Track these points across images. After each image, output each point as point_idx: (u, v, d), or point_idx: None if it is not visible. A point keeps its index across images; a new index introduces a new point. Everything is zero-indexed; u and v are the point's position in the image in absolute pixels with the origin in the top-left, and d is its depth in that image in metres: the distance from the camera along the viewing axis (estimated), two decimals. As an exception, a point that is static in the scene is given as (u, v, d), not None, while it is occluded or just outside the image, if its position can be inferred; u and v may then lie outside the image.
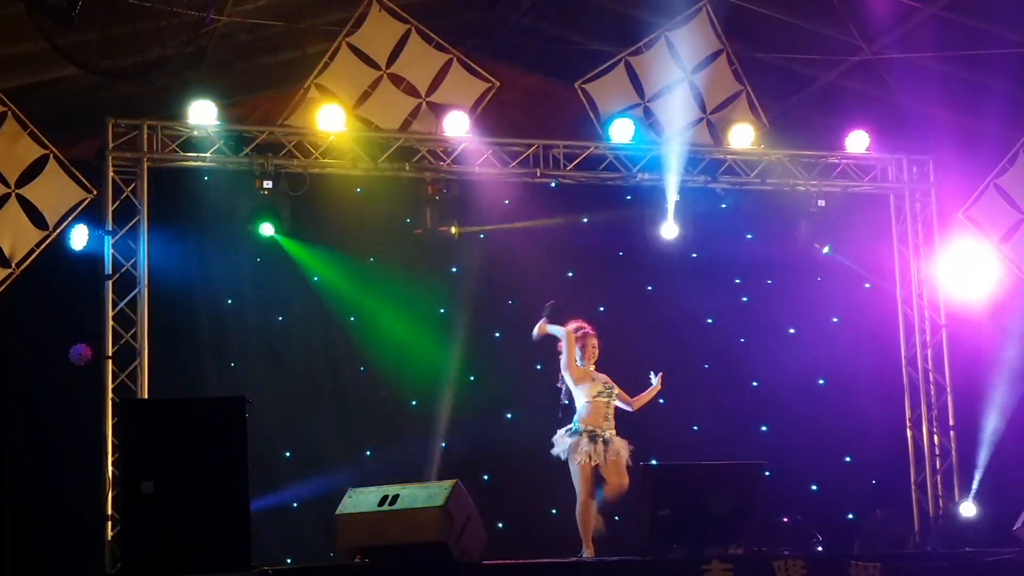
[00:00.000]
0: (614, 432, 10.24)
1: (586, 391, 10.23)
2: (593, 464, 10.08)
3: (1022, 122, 12.65)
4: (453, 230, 11.98)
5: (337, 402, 12.24)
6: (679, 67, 12.46)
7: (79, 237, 11.18)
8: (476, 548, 9.10)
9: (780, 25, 12.31)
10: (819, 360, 12.94)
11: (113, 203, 11.23)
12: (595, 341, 10.39)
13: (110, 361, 10.96)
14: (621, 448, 10.18)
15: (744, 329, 13.08)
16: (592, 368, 10.35)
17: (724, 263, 12.98)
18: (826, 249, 12.59)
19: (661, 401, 11.62)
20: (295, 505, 11.74)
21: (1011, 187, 12.77)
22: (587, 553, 10.02)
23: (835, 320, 13.19)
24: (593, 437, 10.12)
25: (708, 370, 12.88)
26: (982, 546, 11.02)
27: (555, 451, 10.28)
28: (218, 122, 11.58)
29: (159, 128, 11.47)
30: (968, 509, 12.08)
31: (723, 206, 12.84)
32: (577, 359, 10.29)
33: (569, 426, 10.24)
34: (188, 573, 8.35)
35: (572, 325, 10.42)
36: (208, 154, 11.59)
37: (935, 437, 12.71)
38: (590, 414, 10.19)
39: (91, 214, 11.19)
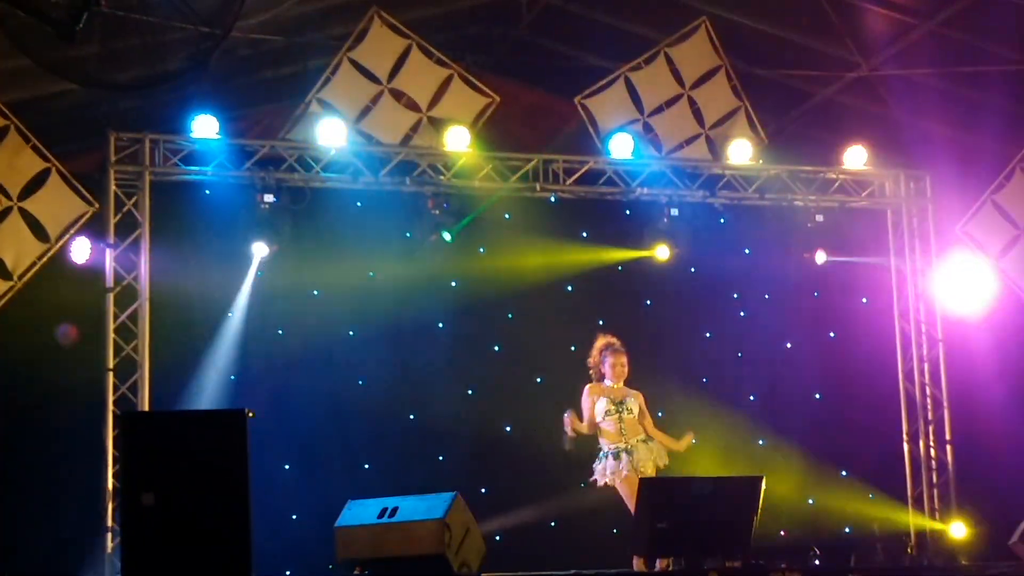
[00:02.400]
0: (639, 440, 10.27)
1: (599, 414, 10.33)
2: (623, 476, 10.15)
3: (1019, 138, 12.71)
4: (447, 236, 12.03)
5: (336, 415, 12.26)
6: (678, 83, 12.54)
7: (81, 250, 11.22)
8: (475, 560, 9.14)
9: (778, 41, 12.37)
10: (816, 374, 13.00)
11: (115, 216, 11.29)
12: (624, 359, 10.44)
13: (111, 373, 11.01)
14: (646, 457, 10.22)
15: (741, 343, 13.12)
16: (618, 385, 10.43)
17: (722, 278, 13.03)
18: (820, 258, 12.65)
19: (660, 414, 11.69)
20: (294, 517, 11.77)
21: (1008, 203, 12.82)
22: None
23: (832, 335, 13.24)
24: (616, 455, 10.21)
25: (706, 384, 12.91)
26: (978, 560, 11.06)
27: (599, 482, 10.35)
28: (220, 136, 11.63)
29: (161, 142, 11.54)
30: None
31: (721, 221, 12.88)
32: (607, 377, 10.38)
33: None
34: (188, 585, 8.39)
35: (601, 341, 10.50)
36: (209, 168, 11.65)
37: (932, 451, 12.76)
38: (605, 434, 10.30)
39: (93, 227, 11.25)
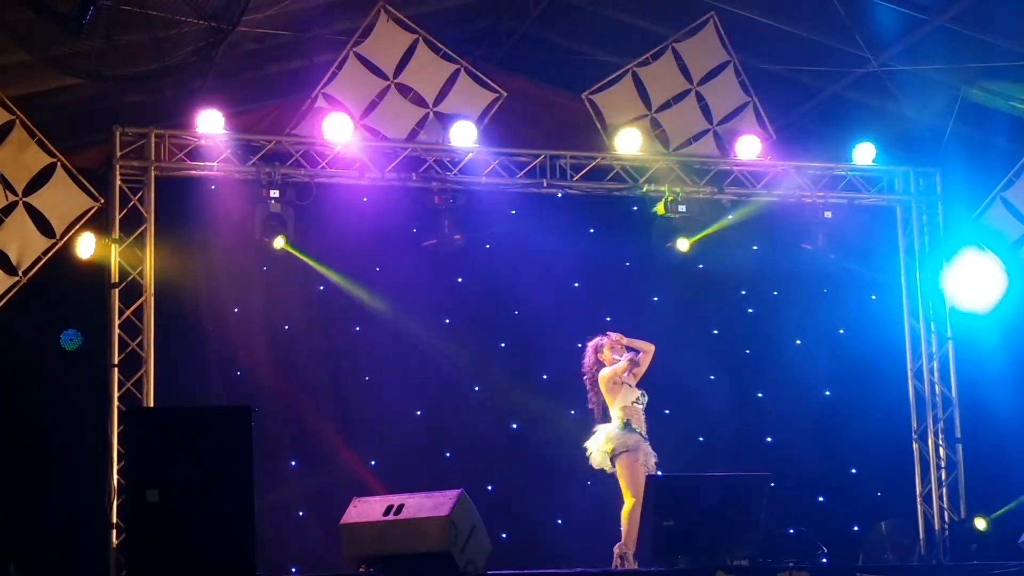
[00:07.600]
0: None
1: (625, 398, 10.40)
2: (647, 470, 10.22)
3: (1029, 135, 12.67)
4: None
5: (342, 411, 12.24)
6: (686, 78, 12.48)
7: (86, 245, 11.19)
8: (480, 558, 9.11)
9: (787, 37, 12.31)
10: (825, 372, 12.95)
11: (120, 211, 11.24)
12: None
13: (116, 369, 10.97)
14: (591, 446, 10.38)
15: (750, 340, 13.10)
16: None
17: (730, 274, 12.99)
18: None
19: (666, 412, 11.65)
20: (300, 514, 11.74)
21: (1018, 200, 12.74)
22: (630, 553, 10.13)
23: (841, 332, 13.19)
24: (648, 440, 10.36)
25: (714, 381, 12.88)
26: (988, 559, 11.01)
27: (615, 448, 10.30)
28: (225, 131, 11.59)
29: (166, 137, 11.49)
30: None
31: (729, 217, 12.83)
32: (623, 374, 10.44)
33: (617, 423, 10.34)
34: (193, 582, 8.37)
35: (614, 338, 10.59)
36: (215, 163, 11.60)
37: (941, 449, 12.70)
38: (635, 417, 10.37)
39: (98, 222, 11.21)
